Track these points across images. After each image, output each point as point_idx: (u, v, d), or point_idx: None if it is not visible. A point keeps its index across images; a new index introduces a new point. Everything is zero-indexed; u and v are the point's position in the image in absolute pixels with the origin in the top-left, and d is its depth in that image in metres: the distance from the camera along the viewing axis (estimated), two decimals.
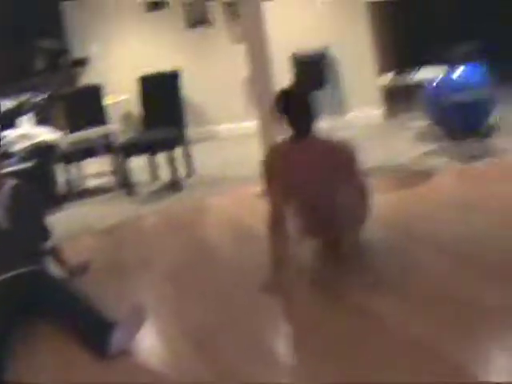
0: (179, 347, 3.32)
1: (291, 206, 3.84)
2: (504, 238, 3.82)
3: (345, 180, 3.74)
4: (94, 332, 3.32)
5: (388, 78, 6.05)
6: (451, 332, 2.94)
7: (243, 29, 5.47)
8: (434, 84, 6.11)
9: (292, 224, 3.85)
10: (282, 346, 3.29)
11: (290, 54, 7.87)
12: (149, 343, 3.42)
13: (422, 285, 3.46)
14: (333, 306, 3.42)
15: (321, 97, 7.73)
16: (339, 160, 3.82)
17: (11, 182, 4.13)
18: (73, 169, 6.78)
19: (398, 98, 6.01)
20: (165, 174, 6.55)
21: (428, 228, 4.24)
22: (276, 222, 3.73)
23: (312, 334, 3.21)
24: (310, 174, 3.79)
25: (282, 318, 3.59)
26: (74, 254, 4.58)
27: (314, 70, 7.75)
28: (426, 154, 6.04)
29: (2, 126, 6.81)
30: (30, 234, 4.07)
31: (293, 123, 3.81)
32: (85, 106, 6.90)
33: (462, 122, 5.81)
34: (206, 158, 7.26)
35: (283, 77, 7.38)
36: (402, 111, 5.99)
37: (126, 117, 8.59)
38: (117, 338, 3.22)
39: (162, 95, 6.65)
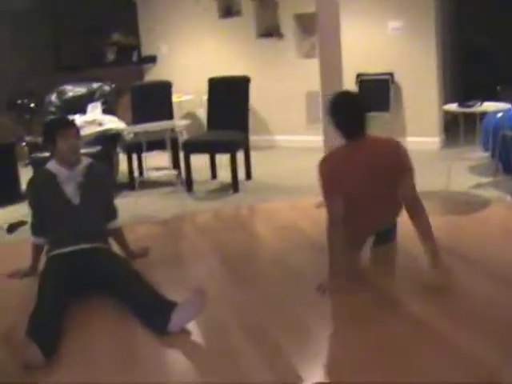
0: (231, 331, 3.44)
1: (349, 209, 3.83)
2: None
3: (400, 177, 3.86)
4: (156, 308, 3.46)
5: (451, 107, 6.14)
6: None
7: (319, 42, 5.48)
8: (495, 118, 6.18)
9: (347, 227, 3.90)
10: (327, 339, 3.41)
11: (356, 74, 8.03)
12: (204, 325, 3.53)
13: (466, 300, 3.61)
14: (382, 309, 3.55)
15: (383, 119, 7.91)
16: (394, 157, 3.92)
17: (87, 161, 4.31)
18: (135, 159, 6.99)
19: (457, 129, 6.09)
20: (224, 175, 6.73)
21: (477, 252, 4.33)
22: (336, 225, 3.80)
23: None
24: (368, 174, 3.85)
25: (332, 315, 3.71)
26: (130, 240, 4.76)
27: (378, 92, 7.90)
28: (480, 185, 6.12)
29: (73, 111, 7.07)
30: (97, 212, 4.23)
31: (345, 126, 3.86)
32: (153, 100, 7.11)
33: None
34: (263, 165, 7.46)
35: None
36: (461, 142, 6.06)
37: (188, 116, 8.82)
38: (177, 316, 3.35)
39: (230, 98, 6.80)
